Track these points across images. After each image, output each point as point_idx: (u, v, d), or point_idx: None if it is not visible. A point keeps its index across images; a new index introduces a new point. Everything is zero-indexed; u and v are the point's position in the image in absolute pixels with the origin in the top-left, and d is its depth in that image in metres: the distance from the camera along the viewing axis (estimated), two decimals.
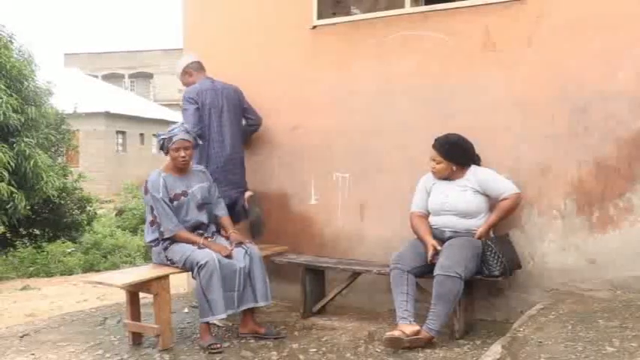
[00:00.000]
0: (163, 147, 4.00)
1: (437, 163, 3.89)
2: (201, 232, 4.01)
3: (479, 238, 3.75)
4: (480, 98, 4.12)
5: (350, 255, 4.53)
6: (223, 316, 3.72)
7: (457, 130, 3.96)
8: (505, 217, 3.84)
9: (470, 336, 3.76)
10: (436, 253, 3.70)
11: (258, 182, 4.94)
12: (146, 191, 3.97)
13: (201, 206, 4.04)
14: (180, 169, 3.99)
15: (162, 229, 3.90)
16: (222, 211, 4.20)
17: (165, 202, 3.88)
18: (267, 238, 4.65)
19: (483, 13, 4.12)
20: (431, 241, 3.76)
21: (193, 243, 3.84)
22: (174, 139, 3.94)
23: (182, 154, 3.93)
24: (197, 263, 3.71)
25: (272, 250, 4.54)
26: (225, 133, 4.44)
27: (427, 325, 3.56)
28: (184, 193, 3.97)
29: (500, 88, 4.08)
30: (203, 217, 4.06)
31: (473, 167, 3.93)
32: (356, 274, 4.26)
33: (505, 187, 3.82)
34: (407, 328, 3.51)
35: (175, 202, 3.93)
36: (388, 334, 3.51)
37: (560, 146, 3.91)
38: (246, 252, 3.89)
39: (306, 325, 4.15)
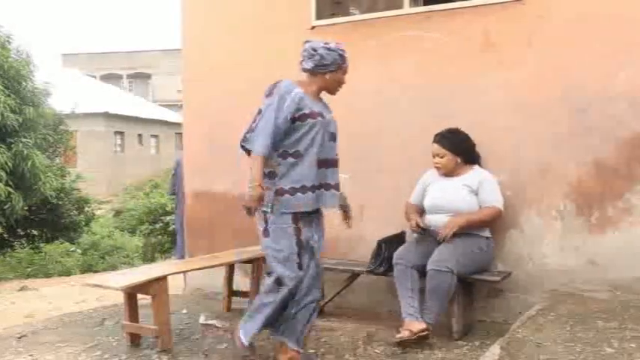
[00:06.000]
0: (332, 64, 3.25)
1: (441, 157, 3.88)
2: (329, 182, 3.25)
3: (450, 230, 3.70)
4: (480, 98, 4.11)
5: (350, 256, 4.52)
6: (245, 342, 3.26)
7: None
8: (482, 223, 3.80)
9: (469, 337, 3.75)
10: (419, 228, 3.82)
11: None
12: (270, 94, 3.23)
13: (334, 140, 3.32)
14: (331, 94, 3.38)
15: (247, 135, 3.22)
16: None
17: (281, 117, 3.13)
18: None
19: (483, 13, 4.12)
20: (415, 219, 3.89)
21: (282, 193, 3.13)
22: (347, 61, 3.31)
23: (344, 81, 3.36)
24: (283, 273, 3.15)
25: None
26: None
27: (422, 318, 3.57)
28: (321, 114, 3.26)
29: (500, 88, 4.07)
30: (335, 154, 3.31)
31: (478, 168, 3.93)
32: (355, 275, 4.25)
33: (495, 199, 3.82)
34: (414, 325, 3.52)
35: (308, 121, 3.17)
36: (398, 336, 3.53)
37: (560, 147, 3.90)
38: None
39: None
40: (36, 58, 12.57)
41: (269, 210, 3.13)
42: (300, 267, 3.16)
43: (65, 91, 19.02)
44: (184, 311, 4.60)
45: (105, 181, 24.53)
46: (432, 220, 3.91)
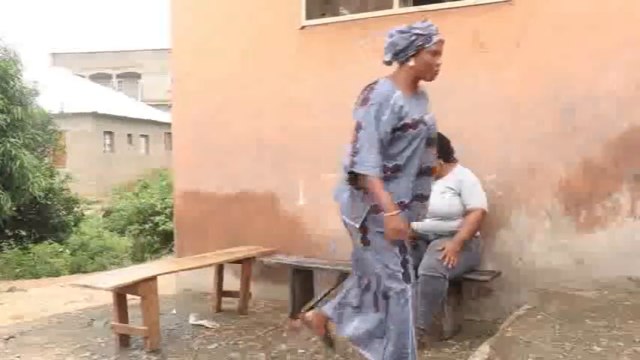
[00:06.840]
0: (408, 48, 2.76)
1: None
2: (423, 193, 2.87)
3: (448, 255, 3.60)
4: (470, 98, 4.13)
5: (339, 255, 4.52)
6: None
7: (447, 130, 3.94)
8: (474, 231, 3.76)
9: (459, 336, 3.76)
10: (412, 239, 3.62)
11: (247, 182, 4.94)
12: (366, 101, 2.78)
13: (432, 145, 2.89)
14: (429, 80, 2.85)
15: (355, 158, 2.72)
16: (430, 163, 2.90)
17: (382, 130, 2.71)
18: (255, 239, 4.63)
19: (472, 14, 4.14)
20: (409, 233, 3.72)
21: (378, 210, 2.72)
22: (434, 38, 2.76)
23: (440, 61, 2.80)
24: (395, 286, 2.81)
25: (260, 250, 4.53)
26: None
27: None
28: (422, 121, 2.81)
29: (490, 88, 4.09)
30: (433, 160, 2.93)
31: (458, 166, 3.91)
32: (344, 275, 4.24)
33: (476, 200, 3.78)
34: None
35: (410, 132, 2.76)
36: None
37: (548, 146, 3.93)
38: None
39: (295, 326, 4.14)
40: (24, 58, 12.51)
41: (357, 225, 2.80)
42: (406, 279, 2.82)
43: (54, 90, 18.89)
44: (174, 311, 4.59)
45: (94, 182, 24.37)
46: (419, 224, 3.90)
